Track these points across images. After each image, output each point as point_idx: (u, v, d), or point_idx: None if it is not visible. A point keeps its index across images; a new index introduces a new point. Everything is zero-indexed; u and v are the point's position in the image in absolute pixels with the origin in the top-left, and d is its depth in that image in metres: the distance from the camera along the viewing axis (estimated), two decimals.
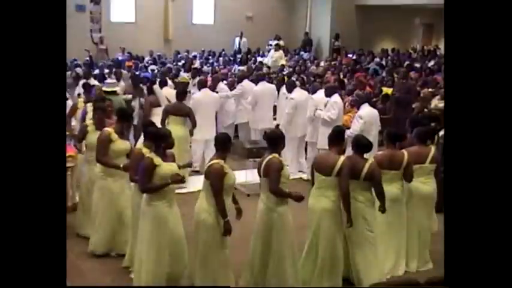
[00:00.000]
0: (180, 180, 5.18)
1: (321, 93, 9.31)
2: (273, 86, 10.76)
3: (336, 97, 8.94)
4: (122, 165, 5.95)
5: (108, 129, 6.14)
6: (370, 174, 5.42)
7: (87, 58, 17.62)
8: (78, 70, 13.22)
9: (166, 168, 5.18)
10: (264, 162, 5.19)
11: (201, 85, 9.94)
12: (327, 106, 8.85)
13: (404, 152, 5.92)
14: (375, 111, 8.62)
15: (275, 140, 5.31)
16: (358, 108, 8.64)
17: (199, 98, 9.43)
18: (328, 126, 8.53)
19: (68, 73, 13.95)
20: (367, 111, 8.31)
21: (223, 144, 5.15)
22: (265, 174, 5.18)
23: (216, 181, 4.97)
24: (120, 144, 6.11)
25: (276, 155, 5.23)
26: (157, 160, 5.15)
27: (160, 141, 5.28)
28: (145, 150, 5.47)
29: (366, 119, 8.16)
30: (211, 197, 5.01)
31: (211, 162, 5.06)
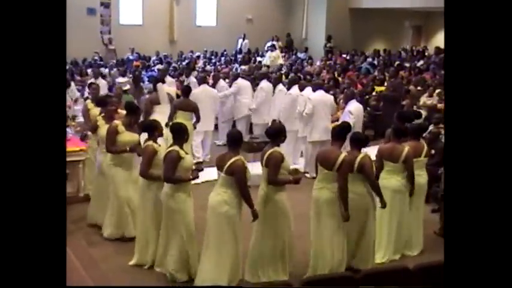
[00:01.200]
0: (197, 176, 5.33)
1: (309, 89, 9.40)
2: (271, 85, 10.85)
3: (317, 93, 8.98)
4: (128, 148, 6.01)
5: (116, 122, 6.19)
6: (360, 166, 5.40)
7: (96, 58, 17.61)
8: (103, 70, 13.12)
9: (189, 160, 5.27)
10: (266, 155, 5.21)
11: (201, 81, 10.13)
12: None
13: (406, 147, 5.94)
14: (361, 106, 8.91)
15: (276, 133, 5.33)
16: (345, 104, 8.82)
17: (198, 93, 9.56)
18: (309, 120, 8.80)
19: (90, 71, 13.92)
20: (355, 106, 8.60)
21: (237, 140, 5.15)
22: (266, 165, 5.22)
23: (242, 176, 4.98)
24: (127, 136, 6.11)
25: (278, 148, 5.25)
26: (182, 153, 5.20)
27: (183, 135, 5.33)
28: (153, 145, 5.56)
29: (355, 113, 8.43)
30: (233, 190, 5.01)
31: (233, 159, 4.99)
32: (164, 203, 5.31)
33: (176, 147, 5.21)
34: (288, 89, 9.82)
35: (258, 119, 10.54)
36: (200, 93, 9.64)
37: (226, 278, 5.08)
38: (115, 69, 14.53)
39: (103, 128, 6.42)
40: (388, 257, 5.99)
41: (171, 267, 5.31)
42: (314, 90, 9.13)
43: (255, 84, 11.18)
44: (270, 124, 9.91)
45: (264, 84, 10.61)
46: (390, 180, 5.92)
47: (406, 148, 5.92)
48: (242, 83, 10.91)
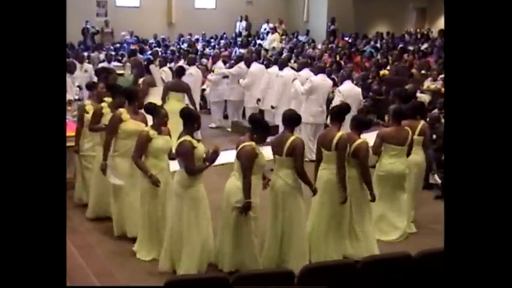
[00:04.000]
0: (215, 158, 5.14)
1: (306, 71, 9.58)
2: (263, 67, 10.97)
3: (319, 76, 9.10)
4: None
5: (121, 110, 5.90)
6: (356, 151, 5.45)
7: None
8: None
9: (201, 149, 5.14)
10: (289, 143, 5.10)
11: (191, 62, 10.54)
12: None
13: (409, 129, 6.11)
14: (356, 89, 9.09)
15: (293, 120, 5.30)
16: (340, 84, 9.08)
17: (191, 73, 9.89)
18: (307, 102, 8.95)
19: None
20: (346, 87, 8.83)
21: (257, 125, 5.09)
22: (289, 154, 5.11)
23: (245, 162, 4.94)
24: (130, 125, 5.83)
25: (299, 136, 5.25)
26: (194, 142, 5.09)
27: (194, 122, 5.21)
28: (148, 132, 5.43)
29: (344, 93, 8.65)
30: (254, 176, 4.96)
31: (243, 144, 4.99)
32: (178, 194, 5.15)
33: (188, 137, 5.07)
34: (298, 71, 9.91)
35: (251, 102, 10.61)
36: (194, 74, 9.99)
37: (250, 266, 5.08)
38: (96, 53, 14.38)
39: (107, 117, 6.16)
40: (401, 236, 6.19)
41: (187, 263, 5.14)
42: (316, 74, 9.22)
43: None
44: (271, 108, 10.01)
45: (255, 67, 10.68)
46: (395, 164, 6.07)
47: (410, 130, 6.12)
48: (244, 67, 10.95)
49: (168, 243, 5.23)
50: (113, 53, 14.43)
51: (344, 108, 5.76)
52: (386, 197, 6.12)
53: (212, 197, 5.36)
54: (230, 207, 5.07)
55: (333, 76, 10.71)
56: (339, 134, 5.31)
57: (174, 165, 5.44)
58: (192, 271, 5.03)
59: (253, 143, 5.01)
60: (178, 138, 5.14)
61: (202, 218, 5.18)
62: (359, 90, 9.13)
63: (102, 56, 14.03)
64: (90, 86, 7.06)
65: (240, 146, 5.02)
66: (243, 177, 4.96)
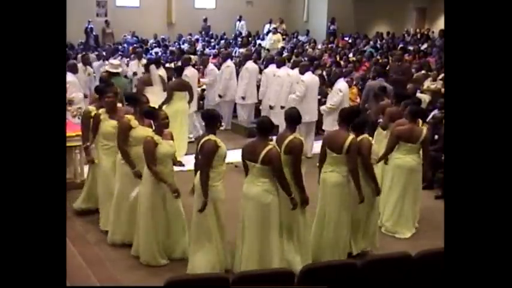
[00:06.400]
0: None
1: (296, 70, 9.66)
2: (256, 66, 11.10)
3: (307, 74, 9.17)
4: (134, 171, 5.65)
5: (128, 117, 5.76)
6: (358, 150, 5.41)
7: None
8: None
9: (224, 148, 5.10)
10: (287, 142, 5.12)
11: (185, 63, 10.40)
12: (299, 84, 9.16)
13: (423, 128, 6.29)
14: (347, 86, 9.26)
15: (294, 119, 5.28)
16: (332, 84, 9.28)
17: (186, 74, 9.82)
18: (300, 103, 8.80)
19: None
20: (345, 85, 8.97)
21: (268, 128, 5.06)
22: (287, 152, 5.12)
23: (280, 165, 4.94)
24: (140, 131, 5.67)
25: (297, 135, 5.24)
26: (218, 141, 5.05)
27: (215, 122, 5.17)
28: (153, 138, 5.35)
29: (344, 91, 8.81)
30: (271, 178, 4.96)
31: (268, 148, 4.91)
32: (200, 195, 5.07)
33: (212, 136, 5.04)
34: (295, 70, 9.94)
35: (244, 99, 10.70)
36: (189, 75, 9.93)
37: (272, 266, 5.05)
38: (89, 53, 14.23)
39: (105, 123, 6.07)
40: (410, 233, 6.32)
41: (206, 265, 5.14)
42: (302, 73, 9.26)
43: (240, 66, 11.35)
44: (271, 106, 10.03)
45: (249, 65, 10.74)
46: (405, 159, 6.23)
47: (424, 129, 6.28)
48: (232, 66, 11.11)
49: (192, 245, 5.25)
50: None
51: (354, 110, 5.77)
52: (398, 191, 6.26)
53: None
54: (260, 209, 5.01)
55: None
56: (350, 137, 5.31)
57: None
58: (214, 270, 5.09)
59: (275, 145, 5.03)
60: (201, 138, 5.15)
61: (215, 220, 5.16)
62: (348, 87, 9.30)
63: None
64: (101, 91, 6.61)
65: (266, 151, 4.89)
66: (280, 178, 4.95)
